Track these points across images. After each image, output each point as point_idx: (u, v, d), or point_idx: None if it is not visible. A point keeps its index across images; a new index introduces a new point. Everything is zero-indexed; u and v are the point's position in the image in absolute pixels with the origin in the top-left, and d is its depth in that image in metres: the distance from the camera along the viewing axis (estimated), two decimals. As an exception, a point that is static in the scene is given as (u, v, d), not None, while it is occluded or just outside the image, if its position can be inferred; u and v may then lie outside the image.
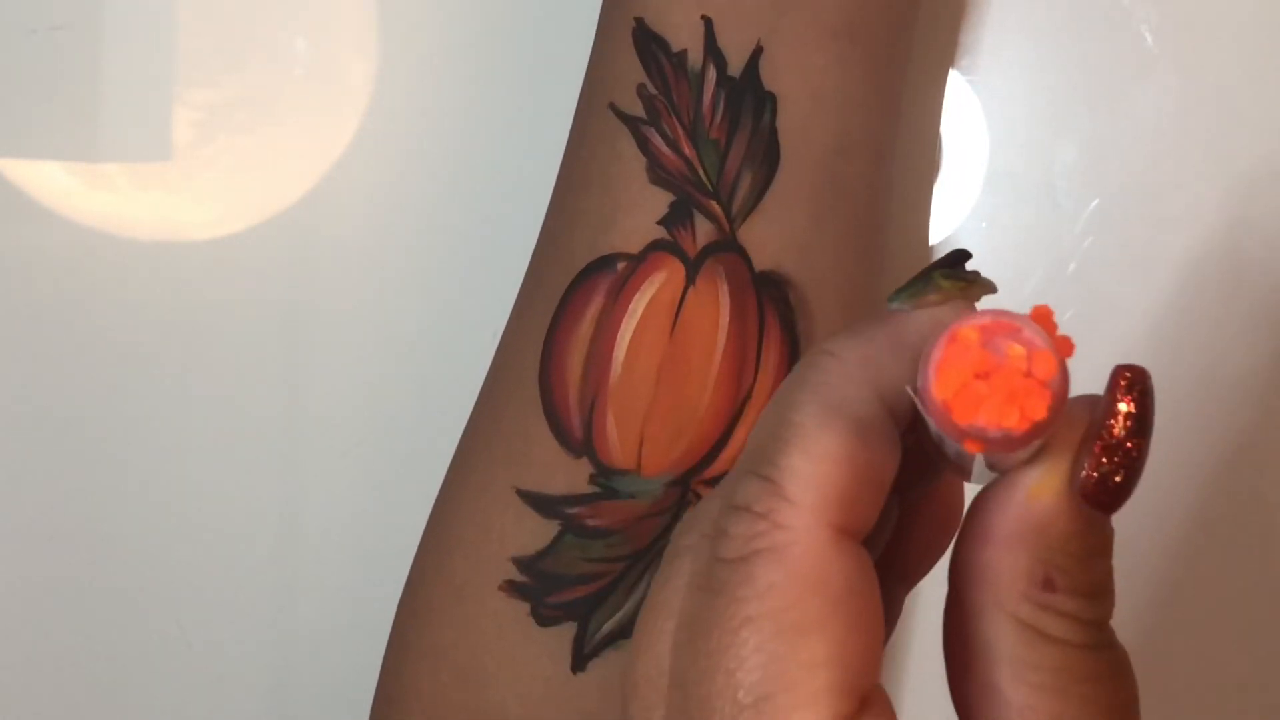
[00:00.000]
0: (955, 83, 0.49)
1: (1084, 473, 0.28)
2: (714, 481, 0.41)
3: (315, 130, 0.52)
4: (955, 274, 0.31)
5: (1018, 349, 0.27)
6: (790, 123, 0.42)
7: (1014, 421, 0.27)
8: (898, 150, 0.45)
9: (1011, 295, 0.49)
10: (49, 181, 0.52)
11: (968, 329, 0.27)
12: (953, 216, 0.49)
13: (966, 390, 0.27)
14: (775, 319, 0.42)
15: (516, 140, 0.51)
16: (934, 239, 0.50)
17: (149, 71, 0.51)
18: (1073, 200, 0.49)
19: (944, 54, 0.49)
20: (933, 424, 0.28)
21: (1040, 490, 0.29)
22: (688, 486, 0.41)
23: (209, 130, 0.51)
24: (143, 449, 0.53)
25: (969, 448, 0.27)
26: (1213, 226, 0.48)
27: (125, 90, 0.51)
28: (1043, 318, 0.28)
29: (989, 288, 0.31)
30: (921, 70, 0.49)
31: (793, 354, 0.42)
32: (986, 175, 0.49)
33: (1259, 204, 0.48)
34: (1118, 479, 0.28)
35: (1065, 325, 0.49)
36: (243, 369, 0.52)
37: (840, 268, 0.43)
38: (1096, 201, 0.49)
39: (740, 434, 0.42)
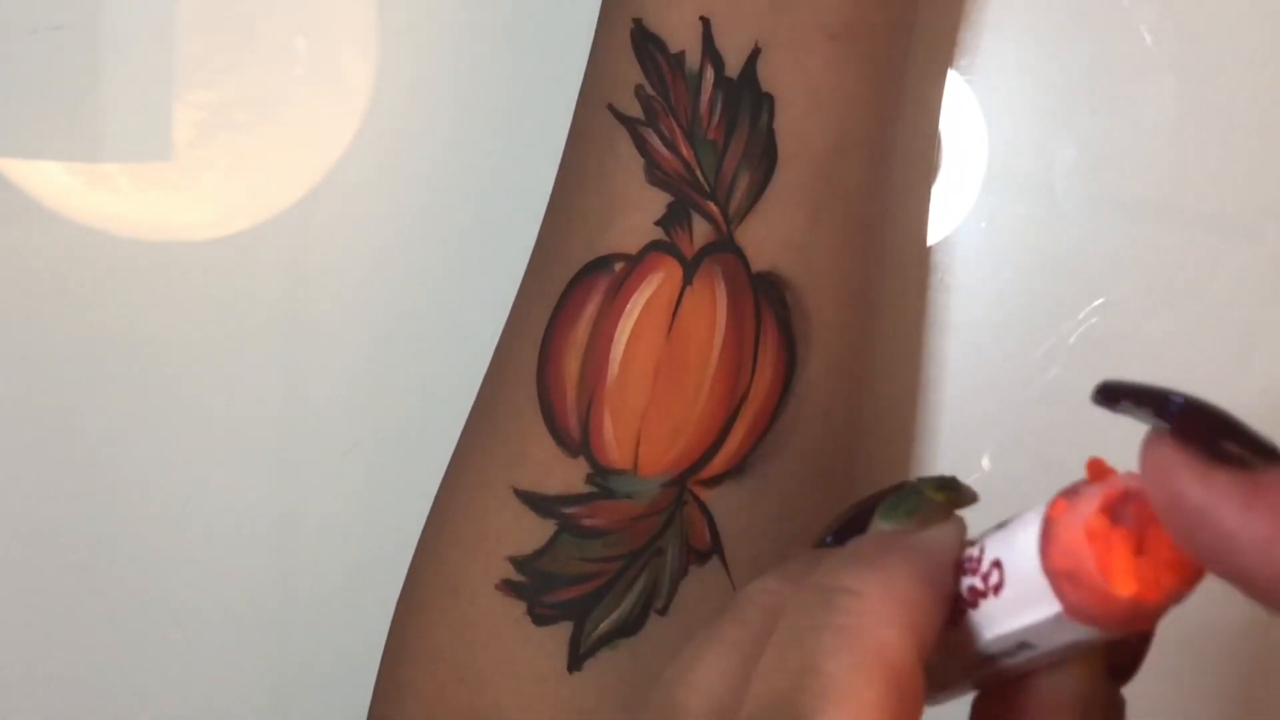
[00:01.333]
0: (955, 83, 0.49)
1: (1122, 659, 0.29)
2: (710, 482, 0.42)
3: (315, 130, 0.52)
4: (942, 483, 0.30)
5: (1141, 506, 0.26)
6: (788, 124, 0.42)
7: (1192, 568, 0.26)
8: (896, 150, 0.45)
9: (1012, 294, 0.49)
10: (49, 181, 0.52)
11: (1097, 522, 0.26)
12: (953, 216, 0.49)
13: (1134, 576, 0.26)
14: (772, 320, 0.42)
15: (517, 140, 0.51)
16: (933, 239, 0.50)
17: (149, 71, 0.51)
18: (1073, 200, 0.49)
19: (943, 54, 0.49)
20: (1090, 633, 0.27)
21: (1083, 672, 0.29)
22: (684, 486, 0.41)
23: (209, 130, 0.52)
24: (143, 449, 0.53)
25: (1147, 626, 0.27)
26: (1213, 226, 0.48)
27: (125, 90, 0.51)
28: (1098, 466, 0.27)
29: (972, 496, 0.30)
30: (921, 70, 0.49)
31: (789, 355, 0.42)
32: (986, 175, 0.49)
33: (1259, 204, 0.48)
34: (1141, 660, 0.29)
35: (1062, 325, 0.49)
36: (243, 369, 0.52)
37: (838, 268, 0.43)
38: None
39: (737, 434, 0.42)
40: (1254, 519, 0.25)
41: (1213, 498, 0.25)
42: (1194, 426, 0.26)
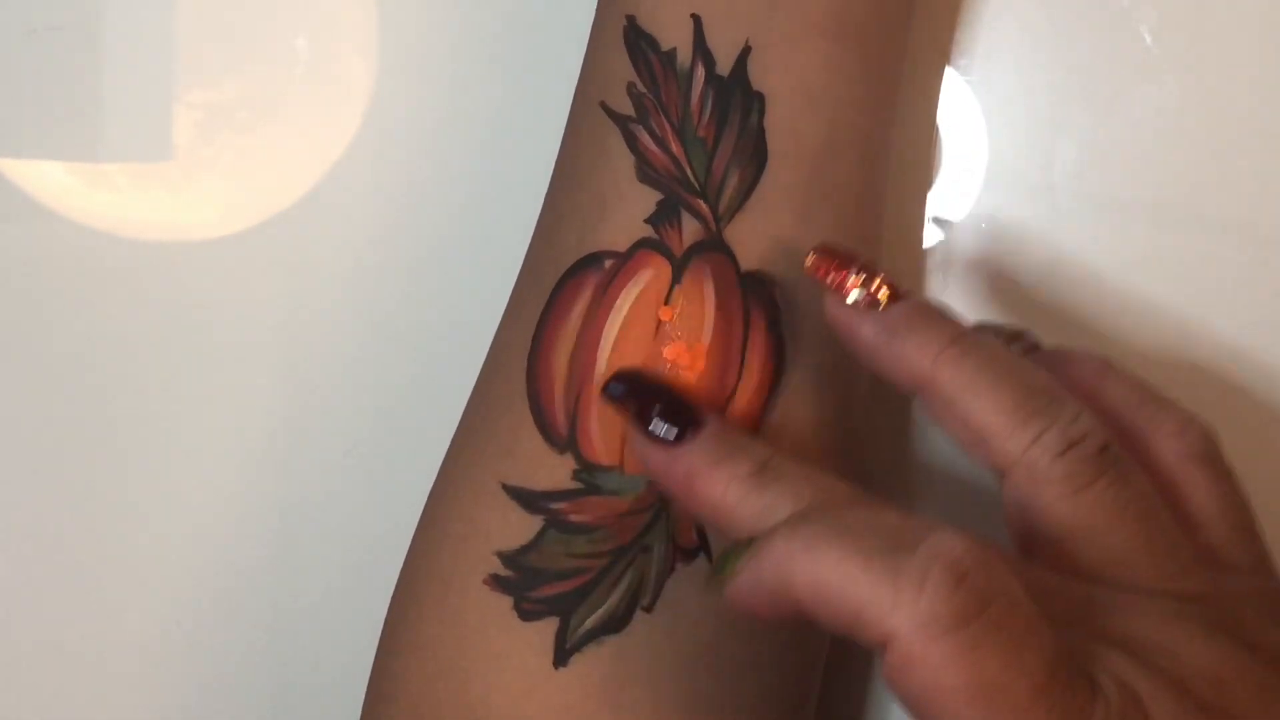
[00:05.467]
0: (954, 82, 0.49)
1: None
2: None
3: (315, 130, 0.52)
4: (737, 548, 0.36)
5: None
6: (778, 122, 0.42)
7: None
8: (892, 150, 0.45)
9: (1009, 296, 0.49)
10: (50, 181, 0.52)
11: None
12: (952, 216, 0.49)
13: None
14: (761, 318, 0.42)
15: (516, 140, 0.51)
16: (933, 239, 0.49)
17: (149, 71, 0.51)
18: (1073, 200, 0.49)
19: (941, 52, 0.49)
20: None
21: None
22: None
23: (209, 130, 0.52)
24: (143, 448, 0.53)
25: None
26: (1213, 227, 0.48)
27: (125, 90, 0.52)
28: None
29: None
30: (918, 69, 0.48)
31: (778, 354, 0.42)
32: (986, 175, 0.49)
33: (1259, 204, 0.48)
34: None
35: (1063, 324, 0.49)
36: (242, 368, 0.52)
37: None
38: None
39: None
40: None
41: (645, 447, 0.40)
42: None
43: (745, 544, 0.35)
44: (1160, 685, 0.33)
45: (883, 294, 0.39)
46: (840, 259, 0.39)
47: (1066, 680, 0.32)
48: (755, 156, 0.42)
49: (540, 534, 0.42)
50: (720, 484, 0.38)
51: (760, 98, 0.42)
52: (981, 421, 0.37)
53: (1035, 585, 0.34)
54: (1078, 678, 0.32)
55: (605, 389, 0.41)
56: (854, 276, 0.39)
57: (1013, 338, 0.44)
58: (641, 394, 0.40)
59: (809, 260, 0.40)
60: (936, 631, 0.31)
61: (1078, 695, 0.32)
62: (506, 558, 0.42)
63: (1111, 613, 0.35)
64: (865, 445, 0.47)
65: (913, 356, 0.38)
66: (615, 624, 0.41)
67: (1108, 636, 0.34)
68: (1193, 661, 0.34)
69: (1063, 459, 0.37)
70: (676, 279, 0.42)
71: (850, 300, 0.39)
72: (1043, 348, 0.44)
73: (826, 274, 0.39)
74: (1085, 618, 0.35)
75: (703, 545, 0.41)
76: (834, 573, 0.33)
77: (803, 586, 0.33)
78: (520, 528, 0.42)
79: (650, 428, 0.39)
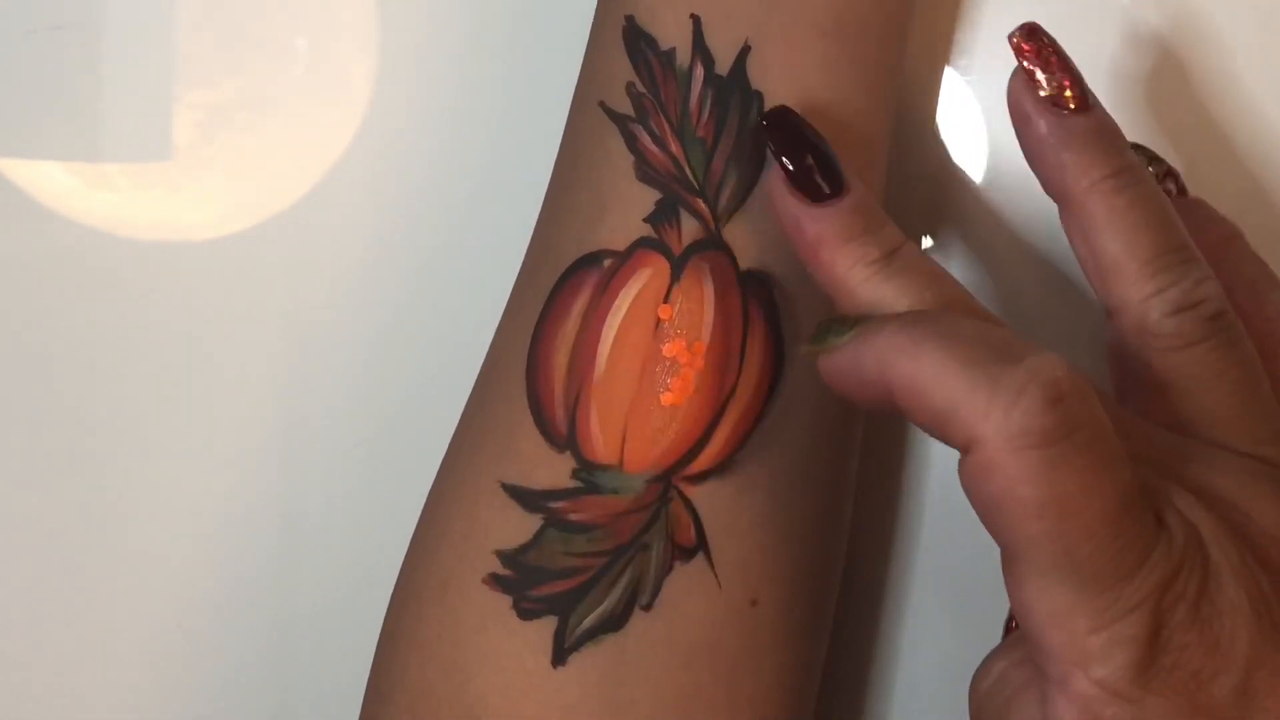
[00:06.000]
0: (954, 82, 0.49)
1: None
2: (696, 479, 0.41)
3: (315, 130, 0.52)
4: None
5: None
6: None
7: None
8: (891, 149, 0.45)
9: (1009, 295, 0.49)
10: (49, 181, 0.52)
11: None
12: (951, 217, 0.49)
13: None
14: (760, 317, 0.42)
15: (516, 140, 0.51)
16: (932, 239, 0.49)
17: (149, 71, 0.52)
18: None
19: (941, 53, 0.49)
20: None
21: None
22: (669, 484, 0.41)
23: (209, 130, 0.52)
24: (143, 448, 0.53)
25: None
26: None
27: (125, 90, 0.52)
28: None
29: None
30: (918, 69, 0.49)
31: (777, 352, 0.42)
32: (986, 175, 0.49)
33: (1259, 204, 0.48)
34: None
35: (1063, 325, 0.49)
36: (243, 368, 0.53)
37: None
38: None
39: (722, 431, 0.41)
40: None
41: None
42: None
43: (851, 321, 0.36)
44: (1225, 533, 0.35)
45: (1072, 101, 0.40)
46: (1046, 49, 0.40)
47: (1137, 512, 0.33)
48: (754, 156, 0.42)
49: (539, 533, 0.42)
50: (847, 261, 0.39)
51: (759, 97, 0.42)
52: (1112, 259, 0.39)
53: (1123, 425, 0.35)
54: (1147, 512, 0.34)
55: (764, 120, 0.40)
56: (1051, 73, 0.40)
57: (1164, 175, 0.45)
58: (796, 141, 0.40)
59: (1014, 36, 0.40)
60: (1022, 444, 0.32)
61: (1144, 527, 0.33)
62: (506, 557, 0.42)
63: (1191, 462, 0.37)
64: (867, 443, 0.47)
65: (1072, 172, 0.39)
66: (614, 623, 0.41)
67: (1184, 481, 0.36)
68: (1262, 519, 0.35)
69: (1176, 316, 0.38)
70: (675, 278, 0.42)
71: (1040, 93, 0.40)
72: (1186, 191, 0.45)
73: (1026, 55, 0.40)
74: (1166, 462, 0.36)
75: (700, 544, 0.42)
76: (934, 372, 0.34)
77: (900, 379, 0.34)
78: (519, 527, 0.42)
79: (795, 179, 0.39)
